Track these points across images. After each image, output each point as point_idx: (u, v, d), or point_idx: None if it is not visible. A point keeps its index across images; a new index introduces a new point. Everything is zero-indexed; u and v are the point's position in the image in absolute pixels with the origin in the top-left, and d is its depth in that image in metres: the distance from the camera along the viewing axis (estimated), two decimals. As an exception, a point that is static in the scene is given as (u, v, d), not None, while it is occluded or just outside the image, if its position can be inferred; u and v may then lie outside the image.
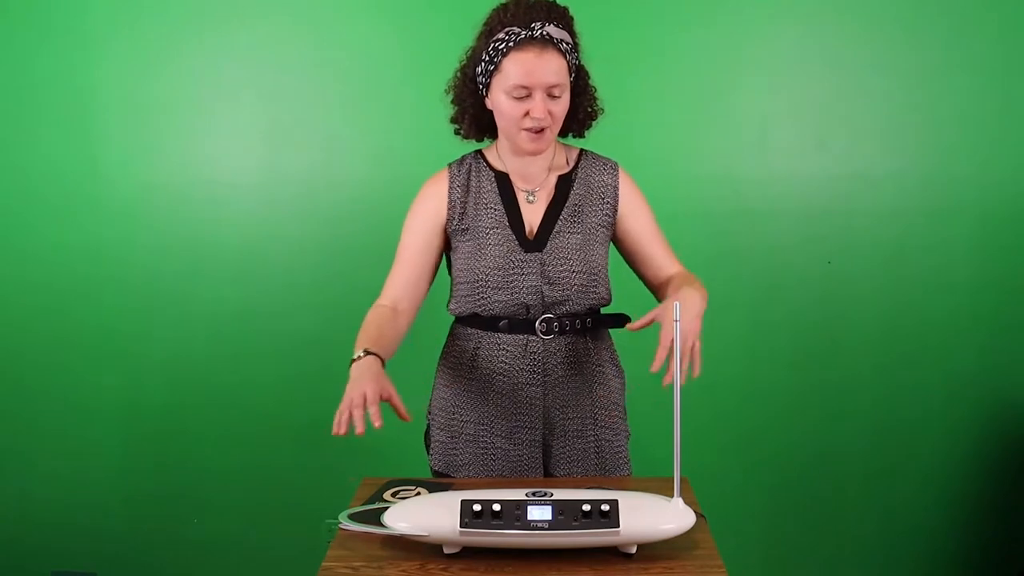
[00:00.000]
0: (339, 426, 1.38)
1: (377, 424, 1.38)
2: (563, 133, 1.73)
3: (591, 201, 1.71)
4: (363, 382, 1.43)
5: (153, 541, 2.75)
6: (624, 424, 1.80)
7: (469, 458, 1.73)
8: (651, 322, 1.55)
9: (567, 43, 1.59)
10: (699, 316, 1.51)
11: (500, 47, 1.58)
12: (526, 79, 1.56)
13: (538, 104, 1.58)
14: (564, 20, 1.62)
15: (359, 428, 1.37)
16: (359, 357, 1.51)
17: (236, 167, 2.64)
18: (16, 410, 2.74)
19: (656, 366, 1.45)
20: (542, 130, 1.61)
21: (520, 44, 1.56)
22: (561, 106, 1.61)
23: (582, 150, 1.77)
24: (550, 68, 1.56)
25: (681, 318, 1.38)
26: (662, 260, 1.74)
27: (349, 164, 2.64)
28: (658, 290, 1.73)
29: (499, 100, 1.61)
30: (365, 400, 1.40)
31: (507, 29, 1.58)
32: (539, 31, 1.56)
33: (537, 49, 1.56)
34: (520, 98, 1.58)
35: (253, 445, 2.71)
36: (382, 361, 1.52)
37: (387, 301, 1.69)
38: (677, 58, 2.59)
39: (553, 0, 1.64)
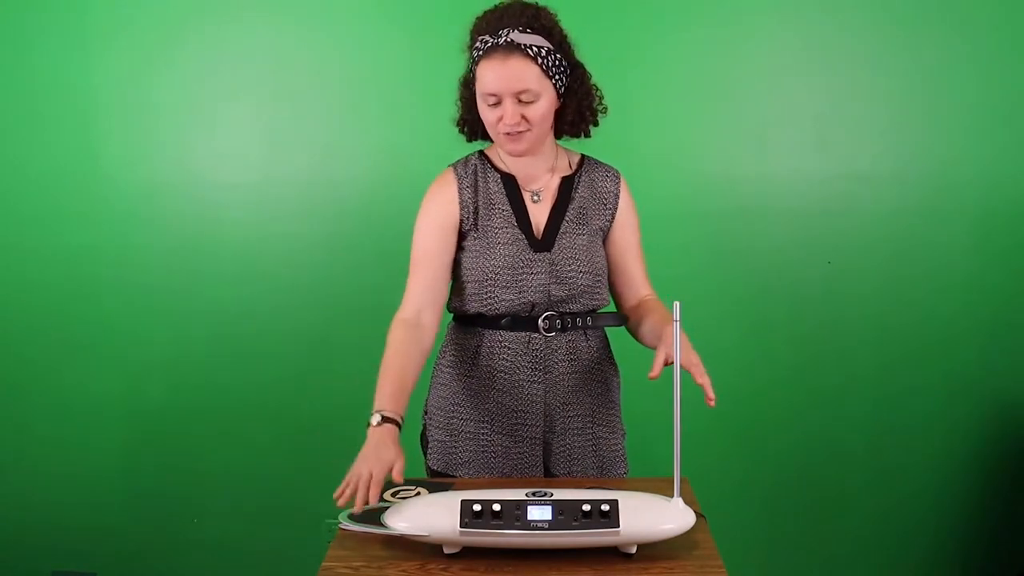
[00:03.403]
0: (341, 497, 1.39)
1: (373, 502, 1.38)
2: (557, 134, 1.72)
3: (594, 205, 1.73)
4: (371, 461, 1.42)
5: (153, 541, 2.75)
6: (620, 422, 1.80)
7: (469, 456, 1.73)
8: (666, 362, 1.49)
9: (538, 47, 1.58)
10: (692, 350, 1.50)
11: (474, 56, 1.61)
12: (492, 86, 1.58)
13: (508, 110, 1.58)
14: (538, 22, 1.60)
15: (357, 506, 1.37)
16: (377, 423, 1.49)
17: (236, 167, 2.64)
18: (16, 410, 2.74)
19: (656, 372, 1.46)
20: (520, 133, 1.61)
21: (488, 52, 1.58)
22: (536, 110, 1.60)
23: (583, 155, 1.77)
24: (514, 74, 1.56)
25: (682, 352, 1.41)
26: (639, 279, 1.77)
27: (349, 164, 2.63)
28: (630, 312, 1.75)
29: (479, 106, 1.63)
30: (370, 478, 1.40)
31: (480, 38, 1.60)
32: (504, 38, 1.57)
33: (502, 56, 1.57)
34: (492, 104, 1.60)
35: (253, 445, 2.71)
36: (399, 425, 1.51)
37: (409, 314, 1.67)
38: (677, 58, 2.58)
39: (528, 2, 1.63)
